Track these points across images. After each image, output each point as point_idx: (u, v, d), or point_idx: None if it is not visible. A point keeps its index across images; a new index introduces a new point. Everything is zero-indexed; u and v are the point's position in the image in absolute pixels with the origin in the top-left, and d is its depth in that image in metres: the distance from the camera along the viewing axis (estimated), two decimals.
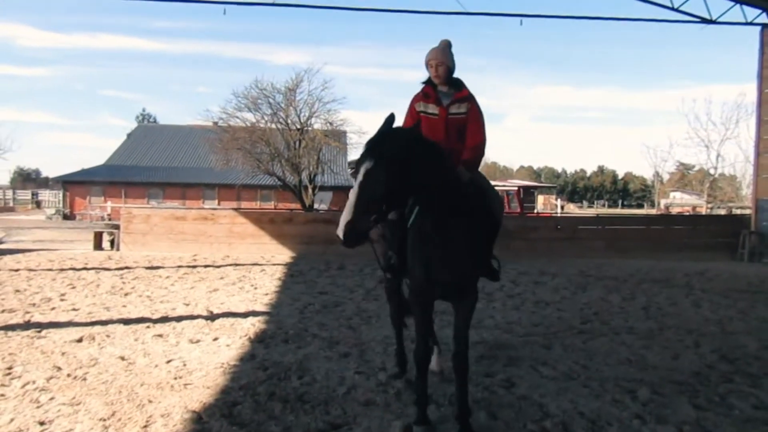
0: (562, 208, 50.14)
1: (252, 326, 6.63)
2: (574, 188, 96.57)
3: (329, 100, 27.35)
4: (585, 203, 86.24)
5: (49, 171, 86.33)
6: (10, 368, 4.91)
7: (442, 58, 4.28)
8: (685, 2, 15.85)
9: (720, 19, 16.03)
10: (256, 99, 27.56)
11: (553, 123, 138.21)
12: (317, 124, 28.01)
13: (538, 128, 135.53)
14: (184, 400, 4.24)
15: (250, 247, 14.49)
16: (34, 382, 4.54)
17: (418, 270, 3.82)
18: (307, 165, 27.65)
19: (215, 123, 29.62)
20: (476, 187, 4.00)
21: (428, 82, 4.38)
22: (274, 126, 27.78)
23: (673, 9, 15.84)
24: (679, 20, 16.23)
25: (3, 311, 7.17)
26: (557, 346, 5.97)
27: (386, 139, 3.44)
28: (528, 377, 4.92)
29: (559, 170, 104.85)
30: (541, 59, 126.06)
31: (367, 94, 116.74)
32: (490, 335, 6.39)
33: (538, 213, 32.13)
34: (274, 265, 12.48)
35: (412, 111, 4.39)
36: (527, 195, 28.22)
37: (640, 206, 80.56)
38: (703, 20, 16.07)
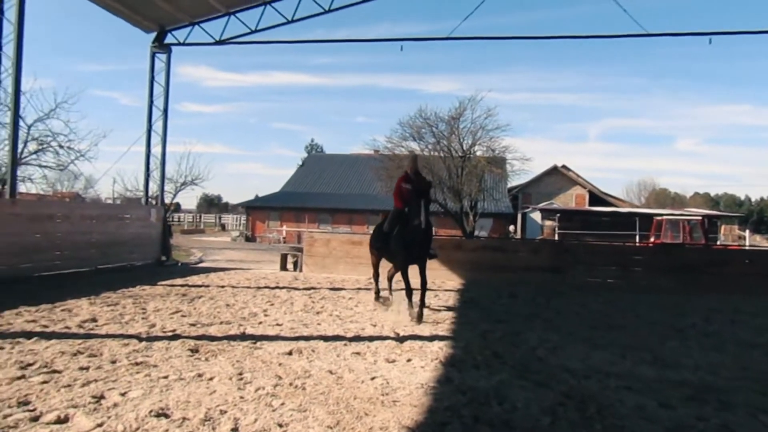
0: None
1: (440, 350, 6.88)
2: (761, 218, 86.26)
3: (493, 128, 27.47)
4: None
5: (228, 197, 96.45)
6: (240, 374, 5.60)
7: (414, 165, 9.49)
8: None
9: None
10: (419, 128, 28.54)
11: (731, 145, 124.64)
12: (479, 152, 28.25)
13: (713, 151, 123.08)
14: (397, 415, 4.55)
15: None
16: (263, 388, 5.15)
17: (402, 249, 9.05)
18: (468, 192, 27.90)
19: (377, 151, 31.13)
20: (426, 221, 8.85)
21: (406, 173, 9.39)
22: (436, 154, 28.49)
23: None
24: None
25: (221, 323, 8.17)
26: None
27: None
28: (748, 425, 4.59)
29: (742, 197, 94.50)
30: (713, 77, 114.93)
31: (521, 119, 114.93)
32: (693, 376, 6.02)
33: (725, 245, 29.28)
34: (446, 291, 12.75)
35: (399, 183, 9.38)
36: (710, 225, 25.90)
37: None
38: None
